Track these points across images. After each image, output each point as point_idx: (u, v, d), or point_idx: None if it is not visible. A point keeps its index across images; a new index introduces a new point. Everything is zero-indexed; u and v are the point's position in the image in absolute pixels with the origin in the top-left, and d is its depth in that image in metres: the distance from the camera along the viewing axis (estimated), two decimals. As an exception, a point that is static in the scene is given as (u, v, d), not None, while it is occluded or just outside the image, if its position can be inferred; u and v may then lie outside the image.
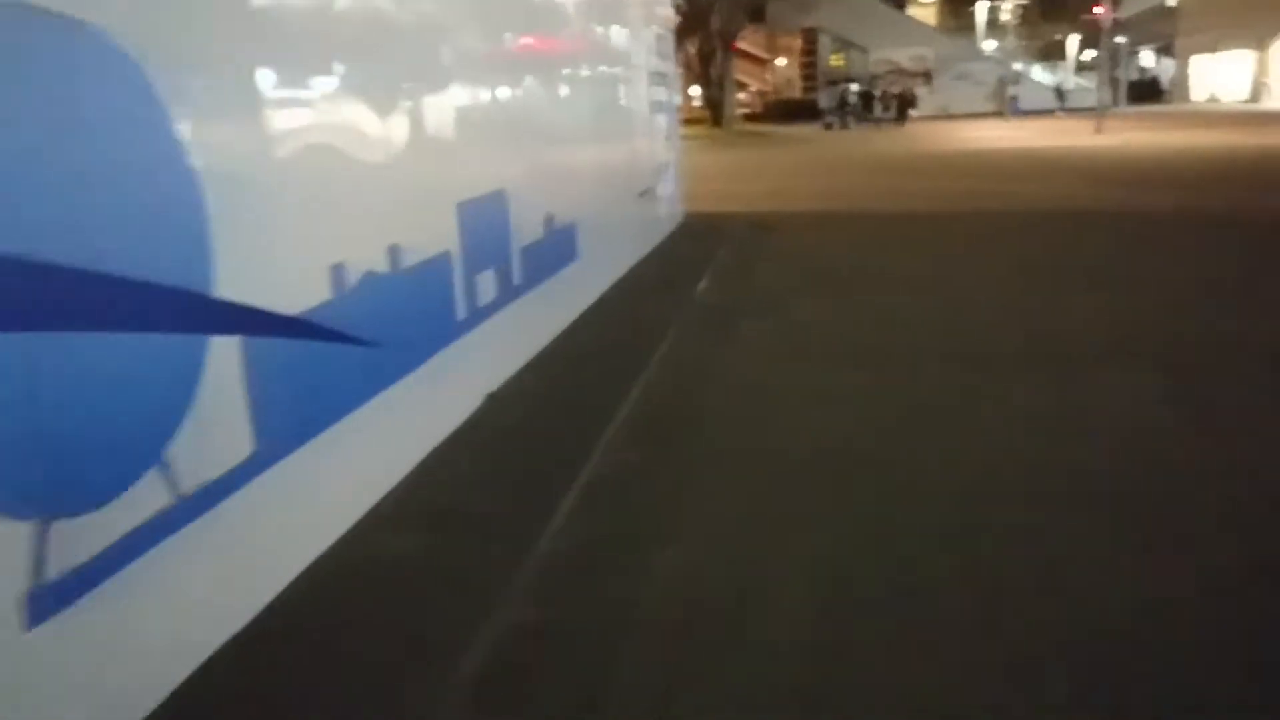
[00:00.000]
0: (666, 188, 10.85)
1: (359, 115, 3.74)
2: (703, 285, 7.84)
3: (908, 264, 8.64)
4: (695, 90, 42.30)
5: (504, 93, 5.54)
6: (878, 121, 39.35)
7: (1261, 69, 47.17)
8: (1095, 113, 28.69)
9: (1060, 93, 46.62)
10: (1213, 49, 49.68)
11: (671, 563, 3.23)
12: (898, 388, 5.10)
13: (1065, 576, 3.04)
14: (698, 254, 9.29)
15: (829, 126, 38.71)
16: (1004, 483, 3.80)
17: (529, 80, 6.06)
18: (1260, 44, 46.50)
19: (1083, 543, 3.26)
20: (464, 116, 4.87)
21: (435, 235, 4.36)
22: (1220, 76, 50.25)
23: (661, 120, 10.68)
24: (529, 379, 5.33)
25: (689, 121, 48.47)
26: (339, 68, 3.64)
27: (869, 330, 6.37)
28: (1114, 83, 52.21)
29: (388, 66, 4.04)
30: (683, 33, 45.11)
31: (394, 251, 3.90)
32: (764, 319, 6.77)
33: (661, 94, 10.54)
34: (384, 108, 3.96)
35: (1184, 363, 5.32)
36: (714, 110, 40.05)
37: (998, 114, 45.06)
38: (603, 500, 3.75)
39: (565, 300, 6.51)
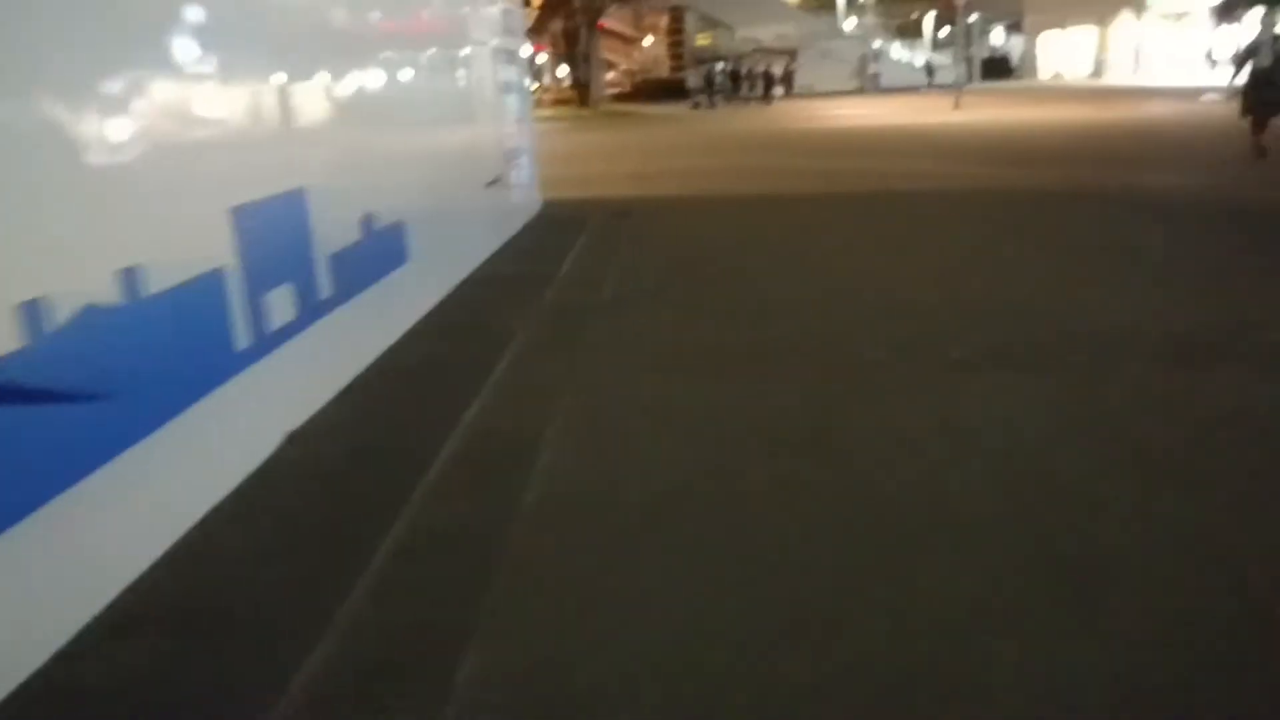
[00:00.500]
0: (521, 174, 10.09)
1: (70, 99, 2.89)
2: (554, 285, 7.15)
3: (768, 251, 8.13)
4: (566, 70, 41.47)
5: (306, 71, 4.69)
6: (745, 100, 39.24)
7: (1103, 45, 49.04)
8: (952, 90, 29.05)
9: (930, 69, 47.43)
10: (1060, 25, 51.41)
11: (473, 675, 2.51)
12: (758, 402, 4.50)
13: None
14: (553, 247, 8.57)
15: (697, 106, 38.35)
16: (871, 517, 3.24)
17: (341, 57, 5.22)
18: (1102, 20, 48.30)
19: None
20: (244, 100, 4.04)
21: (198, 250, 3.53)
22: (1066, 53, 52.06)
23: (512, 102, 9.90)
24: (341, 411, 4.54)
25: (557, 102, 47.61)
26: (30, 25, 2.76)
27: (730, 334, 5.78)
28: (968, 60, 53.56)
29: (119, 33, 3.18)
30: (548, 10, 44.10)
31: (130, 276, 3.07)
32: (617, 322, 6.11)
33: (511, 74, 9.75)
34: (113, 90, 3.11)
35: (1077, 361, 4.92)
36: (581, 90, 39.20)
37: (860, 91, 45.61)
38: (402, 583, 3.02)
39: (393, 310, 5.71)
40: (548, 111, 39.63)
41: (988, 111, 25.55)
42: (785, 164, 15.10)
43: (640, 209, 11.00)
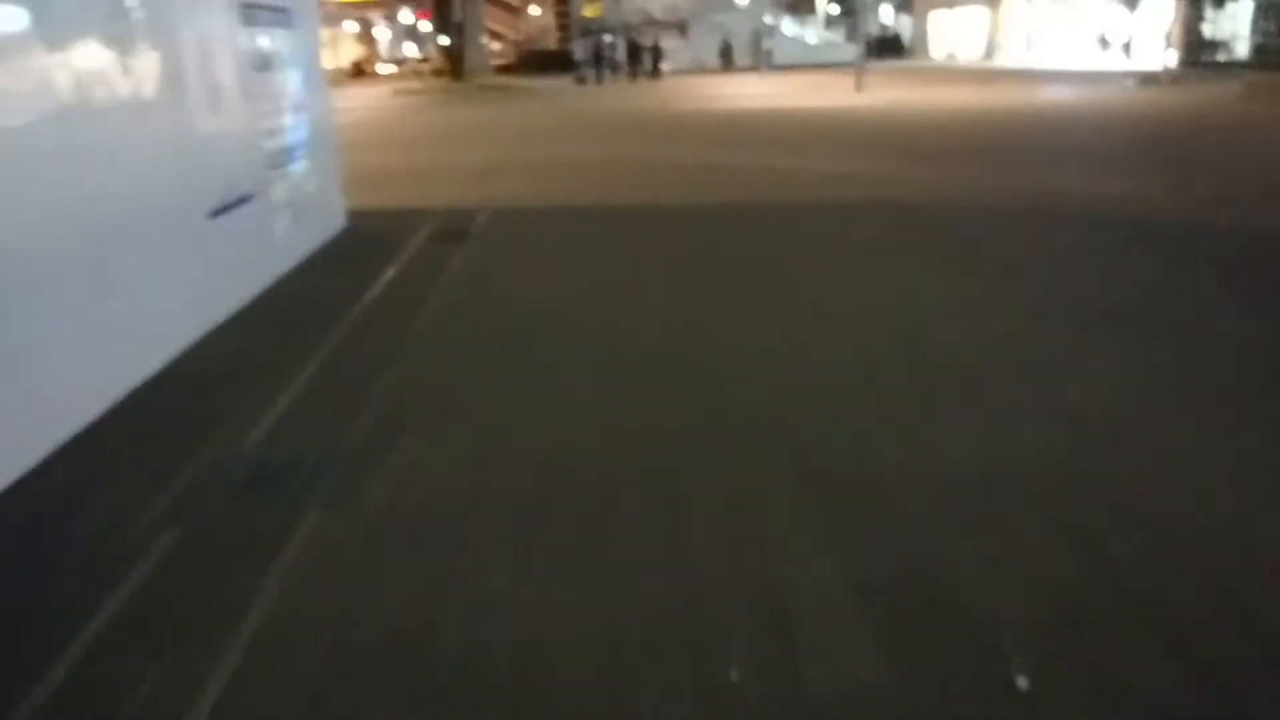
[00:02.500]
0: (302, 186, 7.02)
1: None
2: (282, 400, 4.17)
3: (636, 302, 5.32)
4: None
5: None
6: (634, 75, 36.22)
7: (995, 26, 47.63)
8: (854, 69, 26.69)
9: (726, 50, 45.22)
10: (949, 4, 49.84)
11: None
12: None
13: None
14: (326, 305, 5.57)
15: (582, 80, 35.20)
16: None
17: None
18: (993, 1, 46.82)
19: None
20: None
21: None
22: (957, 33, 50.58)
23: (285, 82, 6.81)
24: None
25: (437, 73, 43.79)
26: None
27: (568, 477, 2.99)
28: (867, 39, 51.66)
29: None
30: None
31: None
32: (366, 491, 3.22)
33: (277, 42, 6.65)
34: None
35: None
36: (454, 62, 35.59)
37: (753, 68, 43.13)
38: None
39: None
40: (418, 84, 35.97)
41: (890, 93, 23.22)
42: (672, 157, 12.29)
43: (485, 224, 8.06)
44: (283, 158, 6.65)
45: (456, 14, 34.97)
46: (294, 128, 6.92)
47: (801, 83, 30.10)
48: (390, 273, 6.26)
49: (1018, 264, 6.12)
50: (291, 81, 6.93)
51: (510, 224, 8.15)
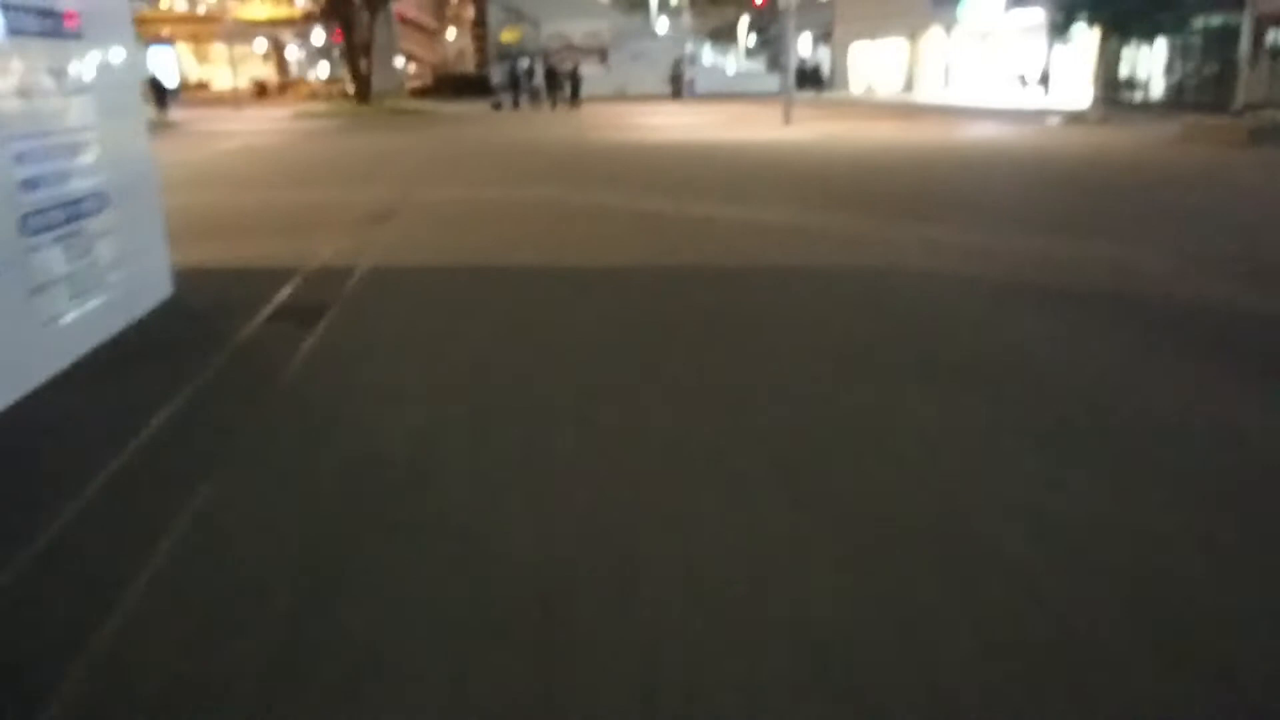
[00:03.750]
0: (93, 253, 5.17)
1: None
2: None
3: (533, 464, 3.64)
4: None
5: None
6: (553, 102, 34.59)
7: (914, 60, 47.37)
8: (780, 101, 25.52)
9: (676, 79, 44.14)
10: (871, 36, 49.50)
11: None
12: None
13: None
14: (54, 463, 3.70)
15: (498, 107, 33.48)
16: None
17: None
18: (914, 34, 46.57)
19: None
20: None
21: None
22: (876, 66, 50.26)
23: (60, 113, 4.96)
24: None
25: (344, 96, 41.49)
26: None
27: None
28: (795, 70, 50.96)
29: None
30: None
31: None
32: None
33: (47, 59, 4.81)
34: None
35: None
36: (360, 84, 33.50)
37: (674, 96, 41.97)
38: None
39: None
40: (322, 107, 33.81)
41: (819, 127, 22.04)
42: (592, 200, 10.65)
43: (354, 294, 6.29)
44: (56, 216, 4.79)
45: (361, 34, 32.92)
46: (79, 173, 5.07)
47: (726, 113, 28.89)
48: (189, 388, 4.44)
49: (1015, 369, 4.59)
50: (75, 112, 5.09)
51: (387, 294, 6.39)
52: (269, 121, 27.02)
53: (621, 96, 41.99)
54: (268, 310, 5.88)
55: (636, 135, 20.85)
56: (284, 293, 6.28)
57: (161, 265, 6.25)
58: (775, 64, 52.10)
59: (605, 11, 53.31)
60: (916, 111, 29.13)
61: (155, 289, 6.10)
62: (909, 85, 46.70)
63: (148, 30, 57.70)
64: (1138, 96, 31.30)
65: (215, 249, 7.84)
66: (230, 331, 5.38)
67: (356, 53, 32.82)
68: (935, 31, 44.78)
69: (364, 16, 32.67)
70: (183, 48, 65.45)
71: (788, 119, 22.77)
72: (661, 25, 52.73)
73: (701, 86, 43.42)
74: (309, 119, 28.59)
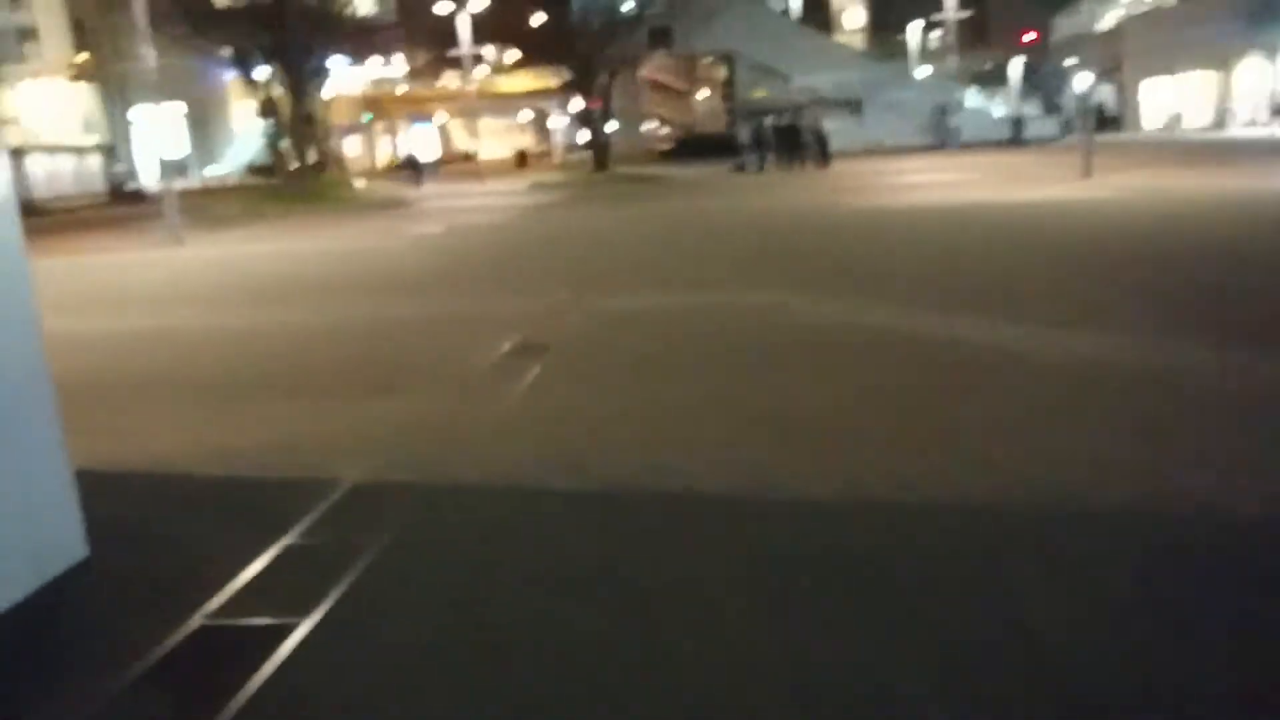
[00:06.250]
0: None
1: None
2: None
3: None
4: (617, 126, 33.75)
5: None
6: (801, 161, 30.98)
7: (1225, 92, 39.98)
8: (1062, 147, 20.75)
9: (1018, 122, 38.75)
10: (1169, 70, 42.50)
11: None
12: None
13: None
14: None
15: (740, 169, 30.41)
16: None
17: None
18: (1223, 64, 39.30)
19: None
20: None
21: None
22: (1176, 103, 43.10)
23: None
24: None
25: (563, 167, 40.24)
26: None
27: None
28: (1084, 112, 44.89)
29: None
30: (550, 54, 36.63)
31: None
32: None
33: None
34: None
35: None
36: (596, 152, 31.58)
37: (936, 147, 37.35)
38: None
39: None
40: (558, 176, 32.21)
41: (1129, 180, 17.11)
42: (843, 315, 7.04)
43: (369, 586, 3.09)
44: None
45: (604, 102, 31.05)
46: None
47: (1000, 165, 24.26)
48: None
49: None
50: None
51: (434, 601, 3.12)
52: (500, 195, 25.38)
53: (876, 150, 37.88)
54: (214, 603, 2.79)
55: (896, 198, 16.95)
56: (249, 568, 3.18)
57: (63, 514, 3.35)
58: (1051, 106, 46.08)
59: (858, 61, 49.49)
60: (1239, 153, 23.17)
61: (47, 555, 3.20)
62: (1220, 122, 39.37)
63: (415, 108, 60.30)
64: None
65: (226, 422, 4.96)
66: (120, 662, 2.29)
67: (593, 120, 30.95)
68: (1253, 59, 37.44)
69: (601, 84, 30.82)
70: (453, 123, 67.97)
71: (1087, 170, 17.99)
72: (920, 71, 48.21)
73: (966, 134, 38.52)
74: (539, 191, 26.81)
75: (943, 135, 37.52)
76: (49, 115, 50.46)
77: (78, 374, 6.35)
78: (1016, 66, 45.90)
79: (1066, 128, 39.08)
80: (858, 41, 66.89)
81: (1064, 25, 56.40)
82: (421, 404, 5.21)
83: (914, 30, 51.55)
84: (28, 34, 56.22)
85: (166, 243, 16.01)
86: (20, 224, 3.38)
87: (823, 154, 30.62)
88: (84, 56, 39.70)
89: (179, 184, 45.33)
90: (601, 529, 3.45)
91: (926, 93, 44.37)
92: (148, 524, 3.80)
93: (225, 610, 2.94)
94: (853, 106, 43.69)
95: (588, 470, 4.01)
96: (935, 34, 58.00)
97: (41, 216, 28.63)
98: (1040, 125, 39.83)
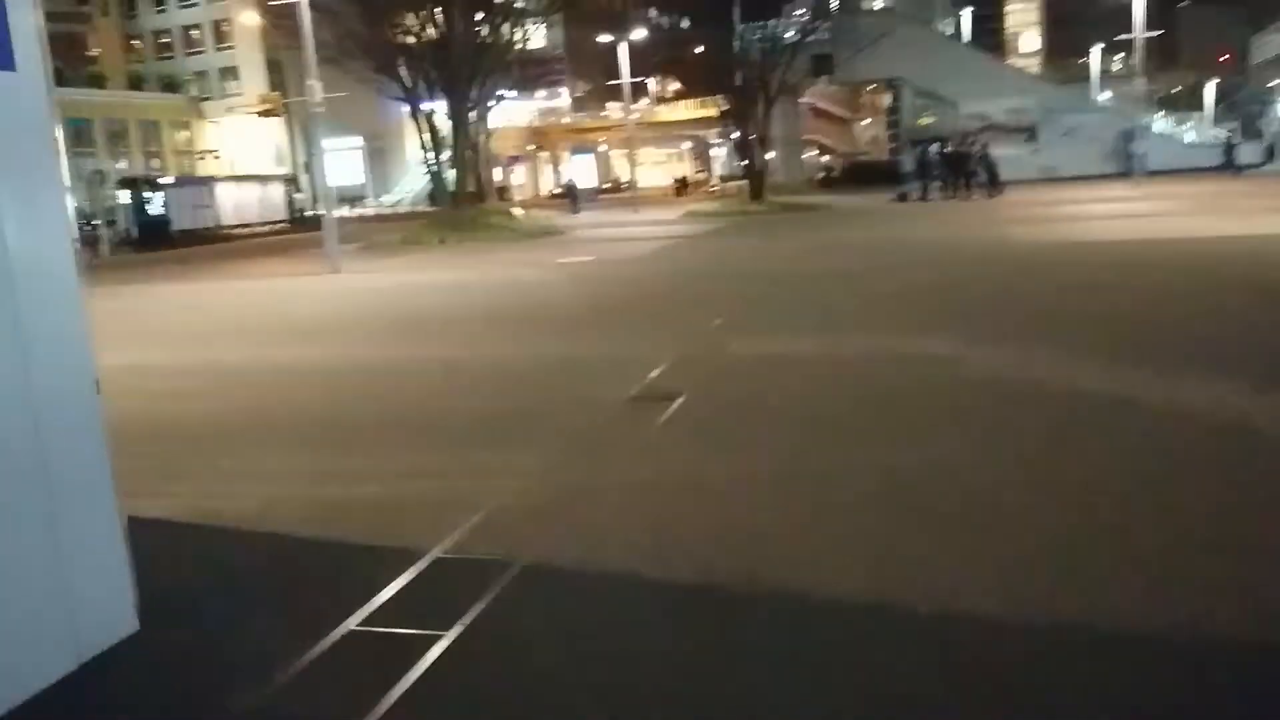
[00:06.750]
0: None
1: None
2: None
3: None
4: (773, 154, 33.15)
5: None
6: (967, 189, 29.20)
7: None
8: (1262, 175, 18.55)
9: (1229, 148, 35.48)
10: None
11: None
12: None
13: None
14: None
15: (902, 198, 28.98)
16: None
17: None
18: None
19: None
20: None
21: None
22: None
23: None
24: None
25: (720, 196, 39.49)
26: None
27: None
28: (1260, 134, 40.93)
29: None
30: (710, 83, 36.17)
31: None
32: None
33: None
34: None
35: None
36: (752, 180, 30.83)
37: (1119, 175, 34.69)
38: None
39: None
40: (714, 205, 31.64)
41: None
42: (1023, 369, 6.12)
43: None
44: None
45: (757, 126, 30.35)
46: None
47: (1196, 195, 22.08)
48: None
49: None
50: None
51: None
52: (653, 224, 25.02)
53: (1052, 178, 35.55)
54: (248, 700, 2.31)
55: (1078, 231, 15.48)
56: (304, 657, 2.70)
57: (114, 584, 2.97)
58: (1251, 130, 42.23)
59: (1033, 85, 46.90)
60: None
61: (88, 631, 2.83)
62: None
63: (579, 138, 61.32)
64: None
65: (331, 469, 4.53)
66: None
67: (750, 148, 30.26)
68: None
69: (758, 111, 30.13)
70: (614, 152, 68.78)
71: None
72: (1101, 95, 45.24)
73: (1154, 161, 35.65)
74: (693, 220, 26.32)
75: (1127, 163, 34.81)
76: (243, 147, 54.07)
77: (189, 410, 6.17)
78: (1210, 90, 42.31)
79: (1269, 154, 35.61)
80: (1034, 65, 63.76)
81: (1263, 45, 51.84)
82: (533, 460, 4.65)
83: (1096, 52, 48.44)
84: (229, 73, 60.57)
85: (324, 269, 16.33)
86: (77, 270, 2.99)
87: (993, 182, 28.81)
88: (274, 94, 42.26)
89: (354, 211, 47.29)
90: (702, 648, 2.74)
91: (1109, 118, 41.46)
92: (211, 596, 3.37)
93: (263, 712, 2.44)
94: (1026, 133, 41.31)
95: (691, 563, 3.31)
96: (1119, 56, 54.54)
97: (222, 242, 30.31)
98: (1244, 151, 36.47)
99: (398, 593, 3.21)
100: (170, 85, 58.00)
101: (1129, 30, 34.04)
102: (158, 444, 5.27)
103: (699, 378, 6.33)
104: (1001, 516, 3.60)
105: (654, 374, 6.48)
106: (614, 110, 62.35)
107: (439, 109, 27.21)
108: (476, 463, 4.75)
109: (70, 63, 54.61)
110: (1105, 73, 50.95)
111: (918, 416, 5.16)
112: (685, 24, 37.97)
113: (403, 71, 26.23)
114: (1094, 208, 20.45)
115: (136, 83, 57.03)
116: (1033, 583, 3.02)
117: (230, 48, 59.69)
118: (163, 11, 61.65)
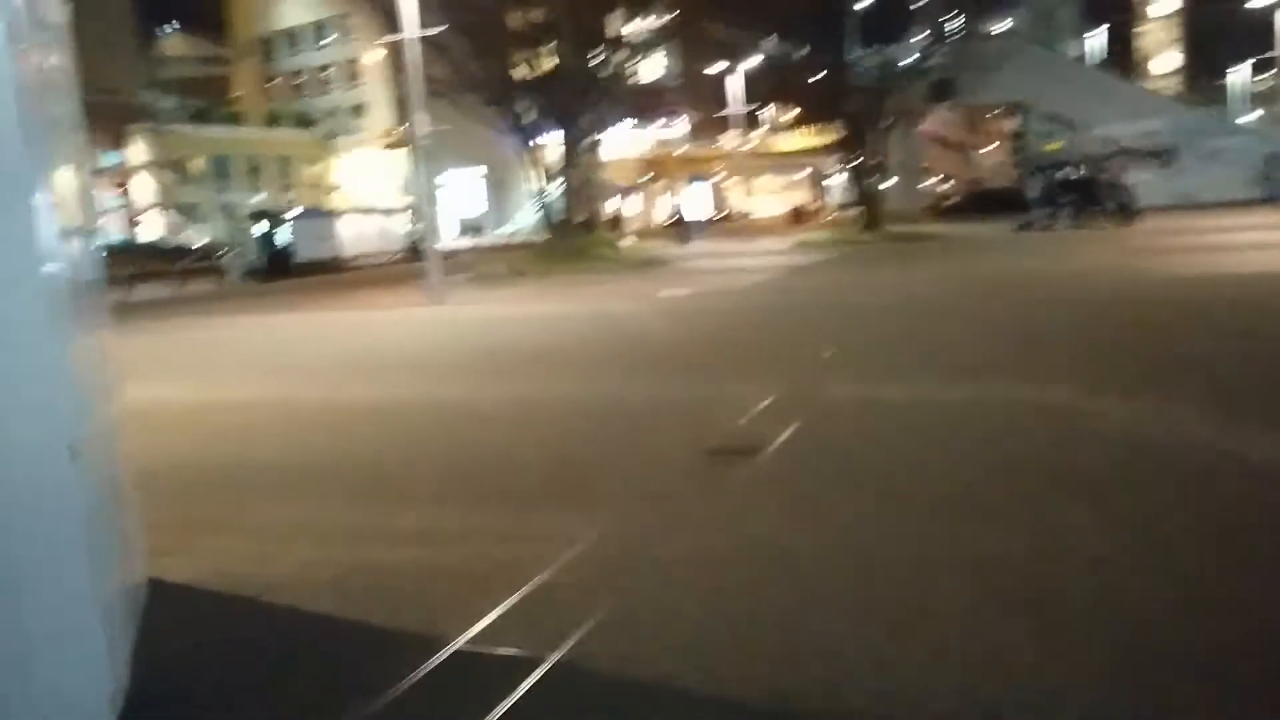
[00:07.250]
0: None
1: None
2: None
3: None
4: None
5: None
6: (1098, 218, 27.44)
7: None
8: None
9: None
10: None
11: None
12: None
13: None
14: None
15: (1025, 227, 27.50)
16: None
17: None
18: None
19: None
20: None
21: None
22: None
23: None
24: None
25: (835, 224, 38.43)
26: None
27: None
28: None
29: None
30: (826, 110, 35.31)
31: None
32: None
33: None
34: None
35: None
36: (867, 209, 29.83)
37: (1266, 201, 32.26)
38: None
39: None
40: (826, 235, 30.77)
41: None
42: (1175, 438, 5.33)
43: None
44: None
45: (875, 156, 29.42)
46: None
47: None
48: None
49: None
50: None
51: None
52: (762, 254, 24.39)
53: (1189, 205, 33.30)
54: None
55: (1222, 262, 14.15)
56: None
57: (87, 673, 2.64)
58: None
59: (1167, 107, 44.34)
60: None
61: None
62: None
63: (693, 167, 61.04)
64: None
65: (376, 529, 4.15)
66: None
67: (864, 176, 29.33)
68: None
69: (874, 138, 29.20)
70: (729, 181, 68.32)
71: None
72: (1249, 117, 42.38)
73: (1305, 187, 33.04)
74: (804, 250, 25.55)
75: (1274, 188, 32.38)
76: (370, 180, 55.98)
77: (246, 453, 5.90)
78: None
79: None
80: (1171, 87, 60.46)
81: None
82: (592, 528, 4.15)
83: (1244, 70, 45.53)
84: (359, 110, 62.99)
85: (428, 301, 16.35)
86: (66, 312, 2.68)
87: (1124, 209, 27.06)
88: (399, 127, 43.60)
89: (473, 241, 48.03)
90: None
91: (1254, 140, 38.74)
92: (200, 684, 2.99)
93: None
94: (1162, 157, 38.94)
95: (749, 673, 2.74)
96: (1265, 75, 51.14)
97: (339, 272, 31.09)
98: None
99: (400, 695, 2.77)
100: (304, 122, 60.72)
101: (1274, 48, 31.74)
102: (201, 491, 5.02)
103: (788, 428, 5.74)
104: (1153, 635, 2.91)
105: (741, 421, 5.92)
106: (728, 139, 61.99)
107: (550, 140, 27.35)
108: (532, 525, 4.30)
109: (214, 103, 57.78)
110: (1249, 93, 47.90)
111: (1037, 483, 4.45)
112: (802, 51, 37.33)
113: (515, 106, 26.45)
114: (1241, 236, 18.81)
115: (273, 121, 59.93)
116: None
117: (360, 85, 62.14)
118: (298, 54, 64.75)
